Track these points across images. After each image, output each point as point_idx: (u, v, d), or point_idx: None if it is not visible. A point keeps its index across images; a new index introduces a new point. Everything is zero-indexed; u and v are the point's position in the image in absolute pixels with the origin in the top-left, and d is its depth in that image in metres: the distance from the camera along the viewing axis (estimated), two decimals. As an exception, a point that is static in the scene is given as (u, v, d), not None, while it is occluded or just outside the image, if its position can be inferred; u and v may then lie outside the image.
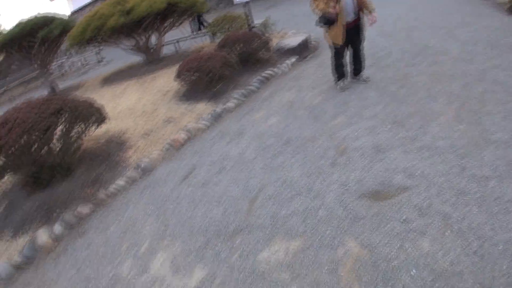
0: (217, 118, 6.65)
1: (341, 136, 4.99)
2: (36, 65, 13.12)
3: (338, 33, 6.14)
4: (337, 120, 5.53)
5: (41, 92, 16.39)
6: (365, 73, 6.94)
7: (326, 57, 8.56)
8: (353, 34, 6.30)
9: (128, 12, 10.63)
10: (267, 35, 11.09)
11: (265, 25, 12.41)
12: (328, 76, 7.48)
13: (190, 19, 14.60)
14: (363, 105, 5.87)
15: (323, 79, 7.56)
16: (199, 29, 17.73)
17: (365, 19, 6.39)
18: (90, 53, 23.09)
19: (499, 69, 6.78)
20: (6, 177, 5.35)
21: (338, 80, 6.70)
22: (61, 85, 16.06)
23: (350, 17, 6.19)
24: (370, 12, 6.33)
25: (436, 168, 3.87)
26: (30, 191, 5.26)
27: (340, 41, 6.22)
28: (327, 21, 6.09)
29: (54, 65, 20.48)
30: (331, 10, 5.92)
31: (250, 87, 7.69)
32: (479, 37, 9.16)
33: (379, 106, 5.68)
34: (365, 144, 4.65)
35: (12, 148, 4.68)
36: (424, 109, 5.31)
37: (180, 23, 12.75)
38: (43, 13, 12.98)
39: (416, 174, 3.85)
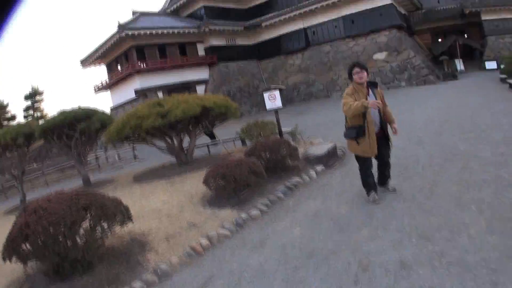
0: (240, 225, 6.62)
1: (365, 250, 4.83)
2: (73, 155, 13.54)
3: (370, 144, 6.19)
4: (361, 232, 5.39)
5: (76, 181, 16.85)
6: (392, 182, 6.89)
7: (352, 165, 8.57)
8: (381, 145, 6.36)
9: (165, 115, 11.09)
10: (294, 143, 11.34)
11: (293, 133, 12.73)
12: (355, 186, 7.46)
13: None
14: (388, 216, 5.75)
15: (349, 188, 7.54)
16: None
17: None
18: (125, 149, 23.80)
19: None
20: (31, 263, 5.39)
21: (370, 191, 6.59)
22: (96, 177, 16.50)
23: (376, 128, 6.35)
24: (391, 123, 6.60)
25: (466, 286, 3.65)
26: (51, 280, 5.25)
27: (371, 152, 6.29)
28: (358, 133, 6.19)
29: (90, 158, 21.12)
30: (371, 101, 5.96)
31: (275, 196, 7.73)
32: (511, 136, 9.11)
33: (406, 218, 5.55)
34: (389, 259, 4.46)
35: (39, 238, 4.81)
36: (453, 220, 5.16)
37: (213, 128, 13.19)
38: (85, 105, 13.68)
39: None
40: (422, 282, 3.90)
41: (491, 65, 35.49)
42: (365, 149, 6.27)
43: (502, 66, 28.29)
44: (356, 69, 6.23)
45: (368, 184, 6.60)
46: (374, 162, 6.67)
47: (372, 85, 6.42)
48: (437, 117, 13.81)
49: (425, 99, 21.06)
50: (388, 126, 6.62)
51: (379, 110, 6.30)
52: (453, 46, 39.86)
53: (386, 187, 6.85)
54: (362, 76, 6.20)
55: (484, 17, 39.74)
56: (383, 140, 6.48)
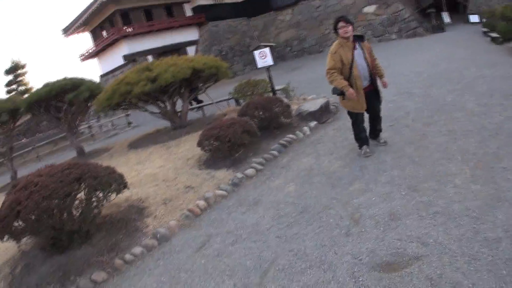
0: (235, 186, 6.74)
1: (357, 203, 4.99)
2: (64, 127, 13.51)
3: (357, 100, 6.19)
4: (353, 186, 5.54)
5: (69, 153, 16.93)
6: (383, 135, 6.98)
7: (345, 120, 8.63)
8: (371, 98, 6.39)
9: (154, 80, 11.02)
10: (287, 100, 11.32)
11: (286, 90, 12.70)
12: (347, 140, 7.58)
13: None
14: (379, 169, 5.90)
15: (342, 143, 7.65)
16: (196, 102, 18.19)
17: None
18: (119, 116, 23.74)
19: None
20: (25, 239, 5.43)
21: (362, 145, 6.67)
22: (90, 147, 16.55)
23: (366, 82, 6.32)
24: (380, 77, 6.57)
25: (450, 234, 3.84)
26: (48, 254, 5.32)
27: (360, 108, 6.31)
28: (342, 90, 6.16)
29: (83, 127, 21.12)
30: (350, 90, 6.00)
31: (269, 154, 7.82)
32: (495, 87, 9.19)
33: (395, 171, 5.69)
34: (379, 211, 4.63)
35: (32, 213, 4.80)
36: (440, 171, 5.32)
37: (205, 89, 13.12)
38: (72, 76, 13.54)
39: (430, 242, 3.80)
40: (409, 232, 4.08)
41: (474, 18, 35.46)
42: (354, 104, 6.29)
43: (483, 20, 28.50)
44: (341, 23, 6.11)
45: (360, 138, 6.67)
46: (366, 116, 6.70)
47: (358, 38, 6.33)
48: (426, 70, 13.78)
49: (414, 51, 20.91)
50: (378, 80, 6.59)
51: (367, 63, 6.26)
52: (439, -1, 39.38)
53: (378, 140, 6.92)
54: (347, 31, 6.08)
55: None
56: (373, 93, 6.46)
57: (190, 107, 15.86)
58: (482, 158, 5.41)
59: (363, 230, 4.34)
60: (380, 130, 6.90)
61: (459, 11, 41.20)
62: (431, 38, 26.98)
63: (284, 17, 39.29)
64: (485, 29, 24.60)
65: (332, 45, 6.34)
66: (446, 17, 37.56)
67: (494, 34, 20.81)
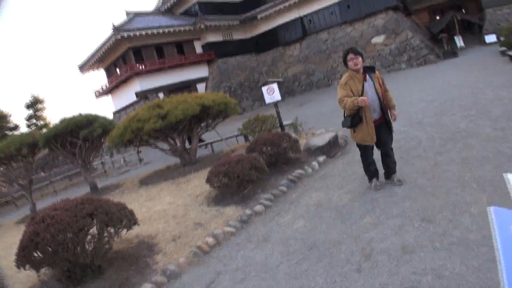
0: (244, 222, 6.68)
1: (368, 237, 4.88)
2: (78, 162, 13.68)
3: (367, 132, 6.06)
4: (363, 220, 5.43)
5: (83, 188, 17.04)
6: (398, 175, 6.60)
7: (354, 153, 8.66)
8: (382, 132, 6.20)
9: (164, 116, 11.16)
10: (295, 135, 11.38)
11: (294, 125, 12.78)
12: (357, 174, 7.52)
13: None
14: (390, 202, 5.79)
15: (352, 177, 7.57)
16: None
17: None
18: (131, 153, 23.95)
19: None
20: (43, 269, 5.55)
21: (371, 179, 6.57)
22: (103, 182, 16.67)
23: (376, 114, 6.16)
24: (391, 109, 6.42)
25: (467, 265, 3.70)
26: (64, 285, 5.45)
27: (370, 140, 6.14)
28: (352, 122, 6.09)
29: (96, 163, 21.34)
30: (361, 98, 5.77)
31: (278, 190, 7.77)
32: None
33: (407, 202, 5.58)
34: (392, 245, 4.51)
35: (48, 245, 4.97)
36: (455, 201, 5.20)
37: (214, 126, 13.24)
38: (87, 112, 13.83)
39: (446, 274, 3.67)
40: (424, 264, 3.95)
41: (490, 38, 35.22)
42: (364, 137, 6.15)
43: (501, 39, 28.24)
44: (350, 55, 6.04)
45: (370, 171, 6.56)
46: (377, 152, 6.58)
47: (369, 70, 6.21)
48: (438, 97, 13.78)
49: (425, 79, 20.99)
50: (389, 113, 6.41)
51: (378, 95, 6.09)
52: (451, 22, 39.61)
53: (392, 179, 6.58)
54: (357, 63, 5.99)
55: (482, -12, 39.46)
56: (384, 126, 6.26)
57: (199, 144, 15.96)
58: (499, 184, 5.29)
59: (375, 264, 4.22)
60: (393, 171, 6.57)
61: (474, 33, 41.29)
62: (443, 65, 27.03)
63: (292, 52, 39.82)
64: (502, 48, 24.38)
65: (342, 77, 6.29)
66: (459, 41, 37.58)
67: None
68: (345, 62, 6.21)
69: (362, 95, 5.94)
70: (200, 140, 17.00)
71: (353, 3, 35.66)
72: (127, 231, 5.93)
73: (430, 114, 11.23)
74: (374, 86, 6.12)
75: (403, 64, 32.11)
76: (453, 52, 32.22)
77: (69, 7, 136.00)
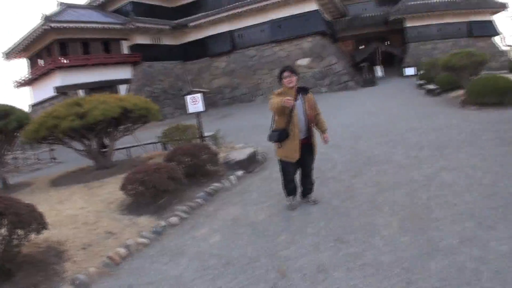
0: (158, 234, 6.45)
1: (283, 255, 4.90)
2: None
3: (292, 148, 6.10)
4: (280, 238, 5.47)
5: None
6: (314, 194, 6.82)
7: (272, 170, 8.79)
8: (305, 152, 6.26)
9: (83, 116, 10.78)
10: (215, 147, 11.39)
11: (214, 137, 12.80)
12: (274, 191, 7.58)
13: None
14: (306, 221, 5.90)
15: (269, 193, 7.64)
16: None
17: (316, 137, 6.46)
18: (44, 150, 22.88)
19: (447, 171, 7.16)
20: None
21: (289, 195, 6.62)
22: (14, 179, 15.73)
23: (302, 134, 6.19)
24: (323, 132, 6.56)
25: (380, 286, 3.83)
26: None
27: (293, 156, 6.16)
28: (279, 137, 6.11)
29: (8, 157, 20.22)
30: (287, 99, 5.73)
31: (194, 202, 7.62)
32: (427, 139, 9.68)
33: (322, 222, 5.71)
34: (307, 264, 4.57)
35: None
36: (368, 223, 5.39)
37: (134, 130, 12.95)
38: (4, 102, 12.97)
39: None
40: (338, 284, 4.04)
41: (409, 71, 37.50)
42: (288, 153, 6.19)
43: (420, 72, 30.00)
44: (286, 73, 6.13)
45: (288, 189, 6.60)
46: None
47: (302, 90, 6.29)
48: (355, 122, 14.36)
49: (344, 105, 21.85)
50: (317, 134, 6.51)
51: (305, 117, 6.19)
52: (374, 53, 41.60)
53: (308, 199, 6.78)
54: (291, 81, 6.09)
55: (408, 23, 42.08)
56: (308, 148, 6.35)
57: (126, 146, 15.56)
58: (412, 209, 5.57)
59: (290, 283, 4.23)
60: (310, 188, 6.74)
61: (394, 65, 43.47)
62: (362, 92, 28.35)
63: (219, 64, 39.92)
64: (420, 82, 25.83)
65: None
66: (379, 71, 39.49)
67: (430, 86, 21.80)
68: (280, 78, 6.26)
69: (292, 111, 5.99)
70: (103, 146, 16.17)
71: (284, 24, 36.47)
72: (37, 235, 5.65)
73: (347, 138, 11.67)
74: (303, 107, 6.19)
75: (324, 87, 33.17)
76: (372, 81, 33.88)
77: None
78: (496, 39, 43.22)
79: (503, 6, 42.55)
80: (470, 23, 42.01)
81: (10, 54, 37.02)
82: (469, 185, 6.39)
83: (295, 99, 6.07)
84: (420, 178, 7.05)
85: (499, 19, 65.57)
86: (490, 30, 42.54)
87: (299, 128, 6.12)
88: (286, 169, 6.46)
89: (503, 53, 42.20)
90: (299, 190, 6.80)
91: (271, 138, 6.30)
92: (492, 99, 13.53)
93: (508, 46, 45.14)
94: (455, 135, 10.26)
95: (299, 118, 6.11)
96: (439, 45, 41.64)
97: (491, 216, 5.08)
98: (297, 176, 6.67)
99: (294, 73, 6.20)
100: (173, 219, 6.94)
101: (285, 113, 6.01)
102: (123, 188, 7.60)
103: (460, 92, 17.22)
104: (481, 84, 14.07)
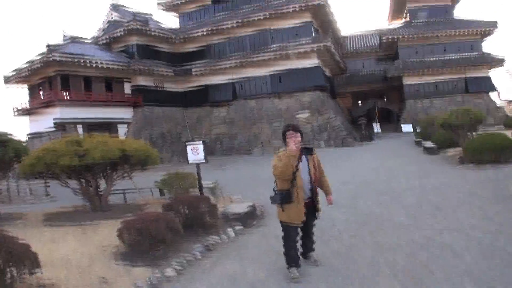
0: (153, 285, 6.26)
1: None
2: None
3: (297, 212, 5.84)
4: None
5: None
6: (314, 254, 6.61)
7: (271, 226, 8.76)
8: (308, 213, 5.99)
9: (82, 155, 10.77)
10: (213, 198, 11.34)
11: (213, 188, 12.76)
12: (273, 249, 7.47)
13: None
14: (306, 282, 5.78)
15: (268, 251, 7.52)
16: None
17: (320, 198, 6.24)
18: (38, 184, 22.68)
19: (447, 231, 7.14)
20: None
21: (290, 264, 6.09)
22: (5, 208, 15.54)
23: (306, 196, 5.98)
24: (326, 193, 6.35)
25: None
26: None
27: (298, 219, 5.88)
28: (283, 199, 5.84)
29: (1, 186, 20.03)
30: (292, 145, 5.65)
31: (192, 255, 7.48)
32: (426, 198, 9.65)
33: (323, 285, 5.59)
34: None
35: None
36: (369, 286, 5.31)
37: (131, 174, 12.90)
38: (1, 130, 12.94)
39: None
40: None
41: (407, 128, 38.04)
42: (292, 216, 5.89)
43: (417, 129, 30.30)
44: (290, 132, 5.88)
45: (290, 257, 6.14)
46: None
47: (306, 150, 6.08)
48: (353, 180, 14.38)
49: (342, 160, 21.95)
50: (320, 196, 6.26)
51: (310, 178, 5.99)
52: (372, 109, 42.20)
53: (308, 259, 6.55)
54: (295, 140, 5.78)
55: (406, 81, 43.15)
56: (311, 210, 6.11)
57: (123, 190, 15.47)
58: (412, 271, 5.52)
59: None
60: (311, 250, 6.55)
61: (392, 121, 44.03)
62: (360, 148, 28.58)
63: (219, 113, 40.38)
64: (418, 139, 26.03)
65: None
66: (376, 127, 39.95)
67: (427, 144, 22.00)
68: (284, 137, 6.00)
69: (296, 172, 5.78)
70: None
71: (285, 77, 37.21)
72: (29, 275, 5.56)
73: (346, 196, 11.65)
74: (308, 168, 6.01)
75: (322, 142, 33.42)
76: (370, 137, 34.30)
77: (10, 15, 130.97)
78: (492, 94, 44.13)
79: (500, 61, 43.86)
80: (467, 79, 43.21)
81: (10, 80, 37.39)
82: (469, 246, 6.43)
83: (300, 159, 5.92)
84: (420, 239, 7.03)
85: (495, 74, 66.89)
86: (486, 86, 43.80)
87: (303, 190, 5.93)
88: (289, 233, 6.12)
89: (499, 108, 43.03)
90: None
91: (274, 200, 6.05)
92: (489, 156, 13.93)
93: (505, 101, 45.95)
94: (454, 193, 10.33)
95: (303, 179, 5.93)
96: (435, 102, 42.59)
97: (491, 277, 5.09)
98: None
99: (299, 131, 5.97)
100: (169, 272, 6.80)
101: (288, 176, 5.80)
102: (119, 234, 7.50)
103: (458, 149, 17.47)
104: (478, 142, 14.42)
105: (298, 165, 5.86)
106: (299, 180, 5.85)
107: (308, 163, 6.06)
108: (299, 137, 5.91)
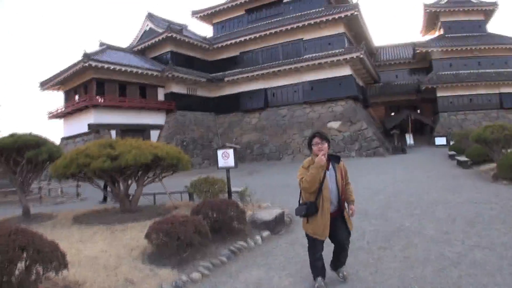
0: None
1: None
2: (17, 183, 13.01)
3: (322, 225, 5.53)
4: None
5: (15, 209, 16.11)
6: (344, 269, 6.25)
7: (299, 234, 8.62)
8: (336, 226, 5.69)
9: (115, 158, 10.90)
10: (242, 204, 11.31)
11: (242, 194, 12.73)
12: (299, 257, 7.40)
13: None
14: None
15: (294, 259, 7.45)
16: (104, 199, 17.77)
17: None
18: (69, 184, 23.08)
19: (478, 248, 6.93)
20: None
21: (316, 276, 5.87)
22: (36, 209, 15.84)
23: (333, 207, 5.65)
24: (349, 203, 5.94)
25: None
26: None
27: (321, 234, 5.58)
28: (308, 211, 5.54)
29: (33, 186, 20.43)
30: (320, 156, 5.40)
31: (218, 260, 7.48)
32: (457, 213, 9.43)
33: None
34: None
35: None
36: None
37: (162, 178, 13.00)
38: (36, 132, 13.25)
39: None
40: None
41: (440, 141, 37.34)
42: (316, 229, 5.60)
43: (451, 143, 29.72)
44: (316, 140, 5.60)
45: (316, 267, 5.90)
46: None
47: (334, 158, 5.80)
48: (384, 190, 14.15)
49: (373, 171, 21.65)
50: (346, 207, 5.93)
51: (337, 188, 5.65)
52: (405, 120, 41.66)
53: (338, 272, 6.21)
54: (322, 148, 5.52)
55: (439, 93, 42.39)
56: (340, 221, 5.77)
57: (153, 192, 15.62)
58: None
59: None
60: (343, 262, 6.15)
61: (425, 133, 43.40)
62: (392, 159, 28.17)
63: (251, 120, 40.47)
64: (451, 152, 25.57)
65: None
66: (409, 139, 39.42)
67: (461, 158, 21.55)
68: (310, 145, 5.75)
69: (322, 183, 5.49)
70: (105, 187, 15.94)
71: (317, 86, 37.09)
72: (56, 274, 5.59)
73: (376, 207, 11.48)
74: (336, 177, 5.69)
75: (353, 152, 33.14)
76: (402, 149, 33.82)
77: (47, 23, 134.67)
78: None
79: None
80: (501, 94, 42.18)
81: (46, 84, 38.47)
82: (500, 265, 6.21)
83: (327, 169, 5.61)
84: (451, 254, 6.84)
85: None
86: (521, 101, 42.42)
87: (330, 201, 5.59)
88: (313, 245, 5.85)
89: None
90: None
91: (297, 212, 5.78)
92: (523, 174, 13.40)
93: None
94: (486, 210, 10.05)
95: (330, 189, 5.61)
96: (469, 115, 41.79)
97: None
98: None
99: (325, 139, 5.65)
100: (195, 275, 6.80)
101: (316, 189, 5.52)
102: (147, 236, 7.54)
103: (492, 165, 17.06)
104: (512, 159, 13.96)
105: (325, 175, 5.56)
106: (326, 192, 5.54)
107: (335, 173, 5.74)
108: (325, 145, 5.61)
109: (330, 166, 5.68)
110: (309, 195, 5.64)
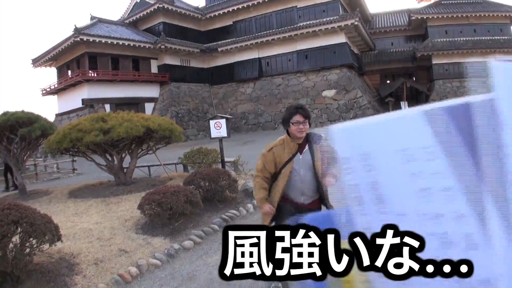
0: (171, 256, 6.46)
1: None
2: (12, 160, 13.06)
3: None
4: None
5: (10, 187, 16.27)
6: None
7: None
8: None
9: (107, 131, 10.93)
10: (235, 174, 11.40)
11: (235, 163, 12.82)
12: (289, 223, 7.58)
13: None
14: None
15: (284, 225, 7.63)
16: (7, 187, 17.01)
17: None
18: (65, 160, 23.19)
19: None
20: None
21: None
22: (32, 186, 15.96)
23: (304, 198, 4.17)
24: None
25: None
26: None
27: (265, 220, 4.22)
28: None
29: (29, 163, 20.52)
30: (265, 207, 4.08)
31: (210, 228, 7.64)
32: None
33: None
34: None
35: None
36: None
37: (155, 150, 13.05)
38: (29, 110, 13.23)
39: None
40: None
41: (435, 107, 37.21)
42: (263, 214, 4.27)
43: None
44: (298, 117, 3.97)
45: None
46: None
47: (314, 137, 4.15)
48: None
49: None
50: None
51: (313, 175, 4.11)
52: (400, 88, 41.50)
53: None
54: (303, 130, 4.01)
55: (435, 61, 41.97)
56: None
57: (147, 165, 15.70)
58: None
59: None
60: None
61: (420, 101, 43.28)
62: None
63: (245, 90, 40.29)
64: None
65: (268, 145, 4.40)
66: (404, 107, 39.31)
67: None
68: (287, 121, 4.11)
69: (279, 171, 4.18)
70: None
71: (312, 55, 36.84)
72: (50, 246, 5.70)
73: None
74: (313, 162, 4.10)
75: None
76: (397, 117, 33.64)
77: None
78: (524, 76, 42.85)
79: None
80: (498, 62, 41.73)
81: (39, 61, 38.11)
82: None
83: (300, 152, 4.14)
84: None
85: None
86: (518, 68, 42.15)
87: (300, 192, 4.13)
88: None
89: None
90: None
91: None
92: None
93: None
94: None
95: (301, 179, 4.11)
96: (465, 83, 41.38)
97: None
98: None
99: (308, 117, 4.04)
100: (187, 243, 6.94)
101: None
102: (140, 207, 7.64)
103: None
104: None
105: (289, 161, 4.12)
106: (281, 181, 4.15)
107: (313, 156, 4.10)
108: (307, 126, 4.04)
109: (306, 148, 4.14)
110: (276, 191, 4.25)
